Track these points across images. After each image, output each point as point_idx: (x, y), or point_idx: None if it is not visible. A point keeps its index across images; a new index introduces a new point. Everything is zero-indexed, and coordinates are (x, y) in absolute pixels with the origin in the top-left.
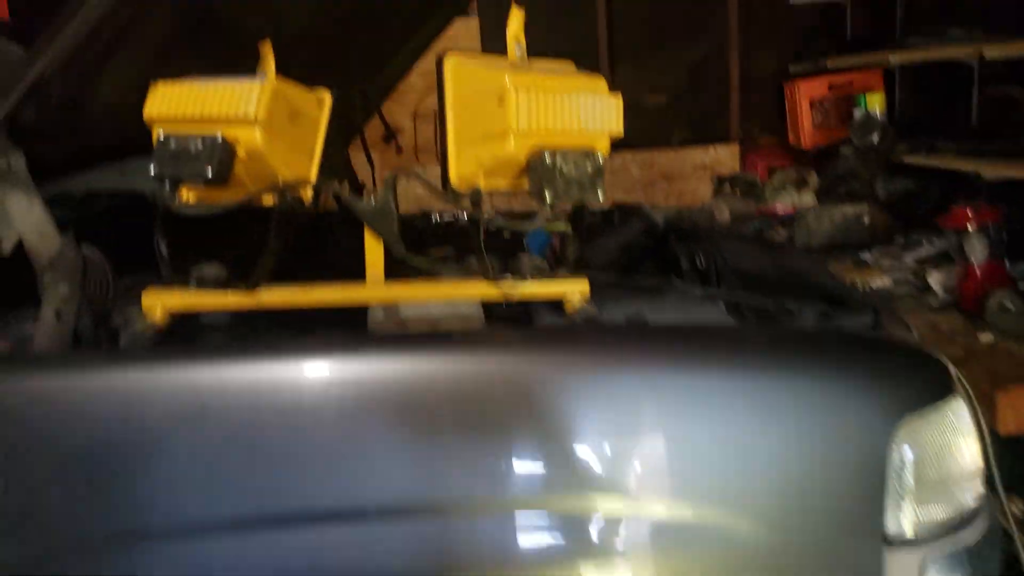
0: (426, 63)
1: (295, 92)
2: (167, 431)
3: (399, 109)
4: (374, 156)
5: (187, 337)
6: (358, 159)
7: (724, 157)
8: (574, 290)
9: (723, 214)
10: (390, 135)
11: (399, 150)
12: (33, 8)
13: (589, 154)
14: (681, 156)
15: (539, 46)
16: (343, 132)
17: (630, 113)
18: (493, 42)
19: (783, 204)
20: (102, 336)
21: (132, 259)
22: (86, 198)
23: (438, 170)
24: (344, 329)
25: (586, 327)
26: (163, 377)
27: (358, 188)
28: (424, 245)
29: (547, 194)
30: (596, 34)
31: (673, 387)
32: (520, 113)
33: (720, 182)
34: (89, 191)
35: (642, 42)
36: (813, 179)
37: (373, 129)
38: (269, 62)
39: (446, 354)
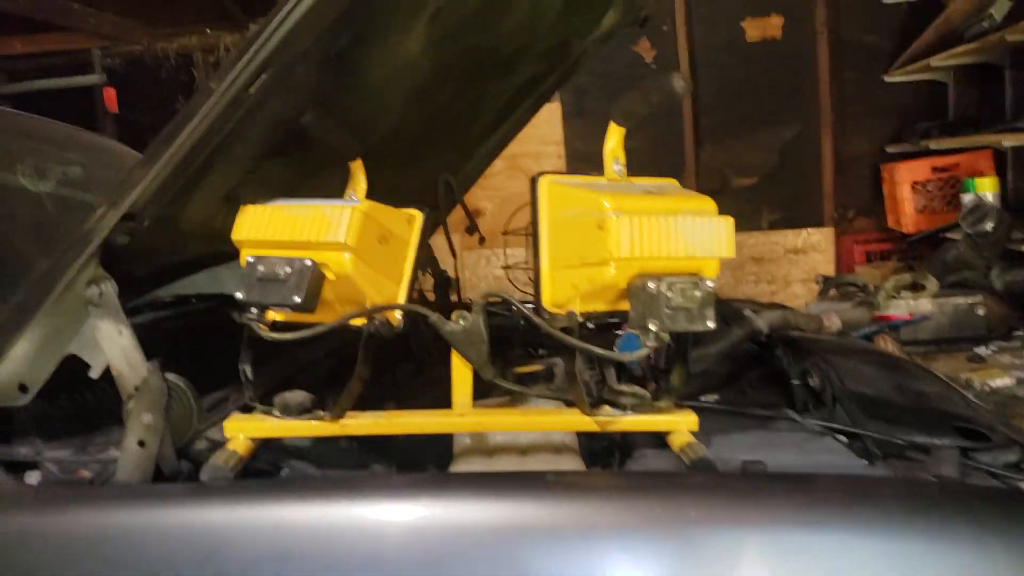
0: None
1: (385, 213)
2: (246, 570)
3: (477, 191)
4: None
5: (270, 463)
6: (437, 243)
7: (817, 241)
8: (680, 424)
9: (833, 322)
10: (474, 227)
11: (482, 240)
12: (141, 103)
13: (697, 281)
14: (771, 239)
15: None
16: (428, 225)
17: (716, 195)
18: (574, 126)
19: (899, 310)
20: (184, 467)
21: (215, 373)
22: (175, 302)
23: (514, 252)
24: (429, 455)
25: (698, 475)
26: (243, 515)
27: (446, 284)
28: (505, 343)
29: (651, 324)
30: (681, 115)
31: (793, 548)
32: (622, 239)
33: (826, 283)
34: (178, 296)
35: (729, 122)
36: (932, 284)
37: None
38: (360, 183)
39: (538, 499)
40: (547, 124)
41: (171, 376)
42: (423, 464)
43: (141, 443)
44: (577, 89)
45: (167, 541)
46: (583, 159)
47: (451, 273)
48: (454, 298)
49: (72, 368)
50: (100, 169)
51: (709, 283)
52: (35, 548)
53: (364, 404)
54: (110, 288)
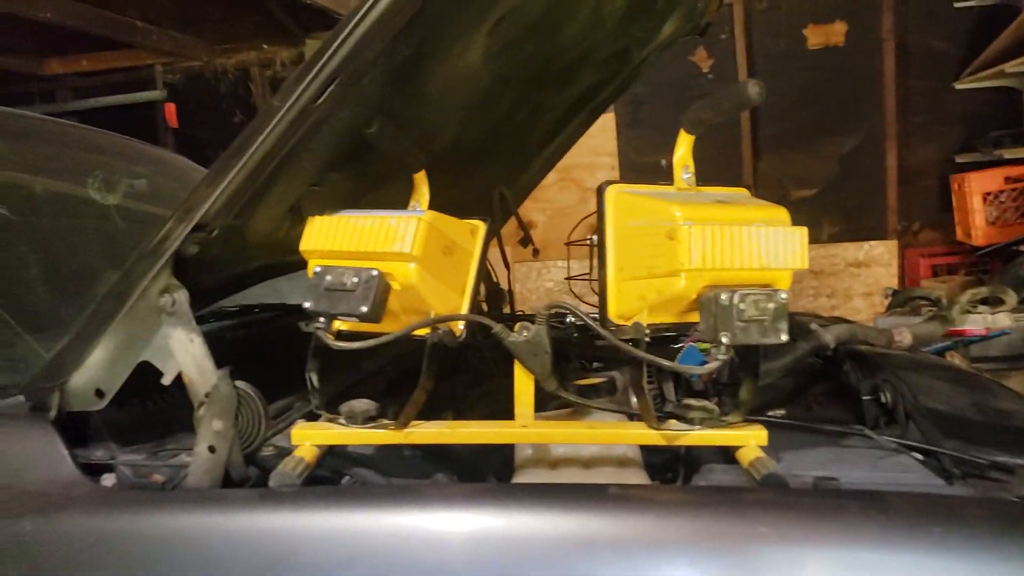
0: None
1: (449, 224)
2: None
3: (529, 203)
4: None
5: (332, 470)
6: (490, 254)
7: (880, 253)
8: (749, 439)
9: (904, 337)
10: (527, 239)
11: (536, 253)
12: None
13: (770, 293)
14: (831, 251)
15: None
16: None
17: None
18: (628, 137)
19: (974, 325)
20: (252, 473)
21: (280, 380)
22: (240, 311)
23: (564, 263)
24: (489, 466)
25: (768, 490)
26: (310, 521)
27: (499, 296)
28: (560, 356)
29: (723, 337)
30: (738, 125)
31: (869, 567)
32: (693, 250)
33: (895, 297)
34: (241, 306)
35: (788, 132)
36: (1011, 297)
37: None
38: (424, 194)
39: (606, 512)
40: (601, 135)
41: (240, 384)
42: (482, 475)
43: (211, 449)
44: (632, 100)
45: (236, 545)
46: (637, 170)
47: (503, 285)
48: (506, 310)
49: (144, 375)
50: (165, 182)
51: (782, 295)
52: (110, 548)
53: (422, 414)
54: (182, 297)
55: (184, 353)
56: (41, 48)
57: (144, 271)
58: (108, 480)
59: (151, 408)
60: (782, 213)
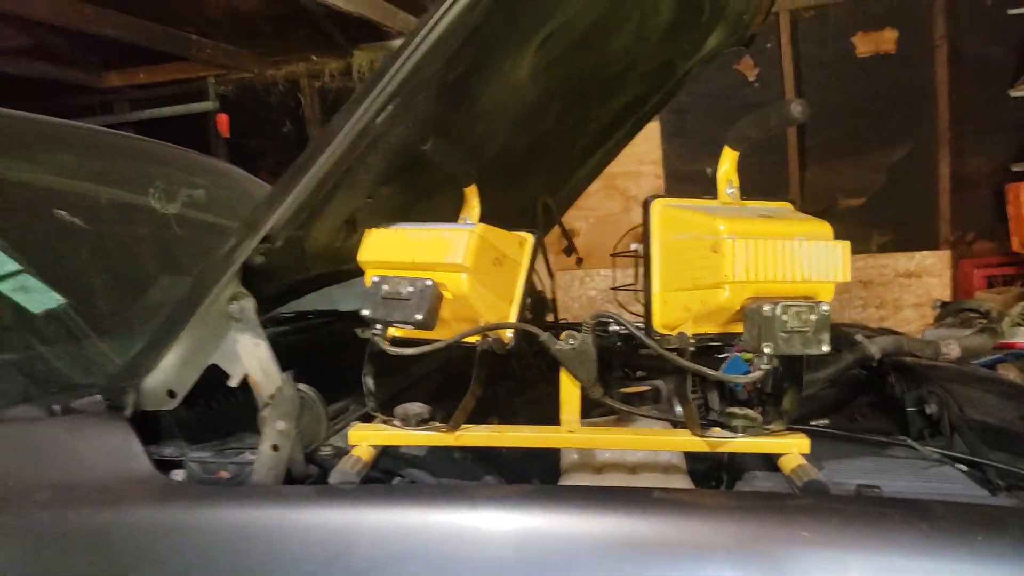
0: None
1: (500, 236)
2: (370, 569)
3: (572, 211)
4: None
5: (388, 471)
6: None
7: (931, 264)
8: (792, 447)
9: (951, 349)
10: (571, 247)
11: (579, 262)
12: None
13: (813, 305)
14: (880, 262)
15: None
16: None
17: (822, 216)
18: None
19: None
20: (312, 471)
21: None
22: (295, 317)
23: (610, 274)
24: (534, 470)
25: (811, 496)
26: (369, 517)
27: (542, 304)
28: (607, 365)
29: (765, 347)
30: (784, 136)
31: (911, 574)
32: (737, 263)
33: (944, 309)
34: (298, 312)
35: (835, 141)
36: None
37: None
38: (475, 207)
39: (649, 516)
40: (645, 143)
41: (302, 386)
42: (527, 479)
43: (275, 447)
44: (677, 108)
45: (298, 539)
46: (681, 179)
47: (547, 294)
48: (550, 319)
49: (210, 376)
50: (220, 192)
51: (824, 307)
52: (180, 539)
53: (469, 419)
54: (249, 304)
55: (251, 357)
56: (101, 61)
57: (214, 279)
58: (178, 475)
59: (217, 408)
60: (824, 227)
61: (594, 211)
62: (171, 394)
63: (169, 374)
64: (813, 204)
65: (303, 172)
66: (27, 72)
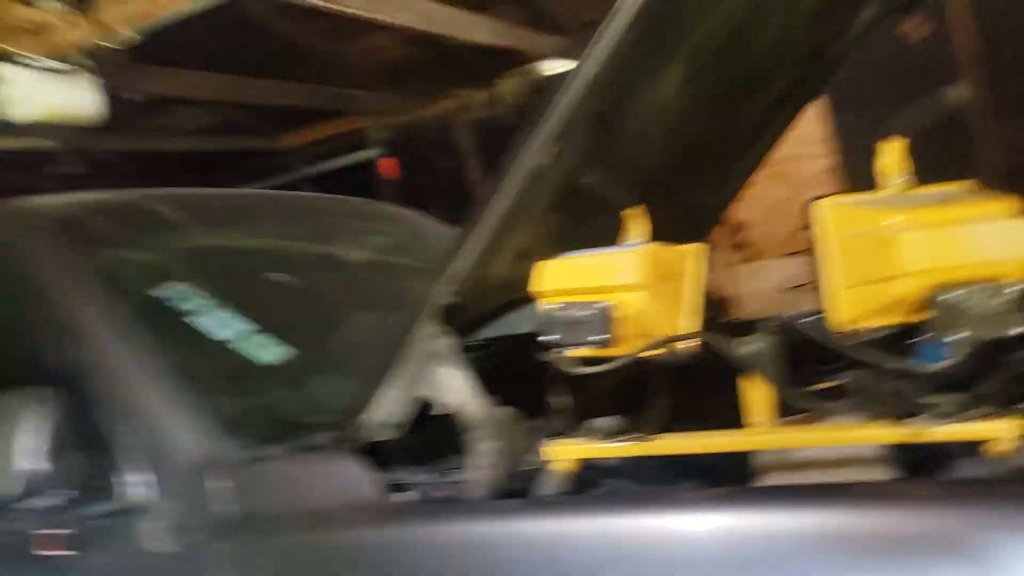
0: None
1: (669, 251)
2: (584, 573)
3: (739, 202)
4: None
5: (589, 483)
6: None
7: None
8: (1001, 431)
9: None
10: (741, 243)
11: (750, 256)
12: (409, 167)
13: (998, 286)
14: None
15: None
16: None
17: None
18: (842, 121)
19: None
20: (518, 486)
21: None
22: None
23: (784, 264)
24: (725, 473)
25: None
26: (580, 525)
27: (717, 306)
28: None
29: (953, 334)
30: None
31: None
32: (915, 252)
33: None
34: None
35: None
36: None
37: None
38: (644, 227)
39: (859, 509)
40: (809, 123)
41: (502, 409)
42: (719, 482)
43: (485, 466)
44: (844, 80)
45: (513, 548)
46: (854, 155)
47: (720, 293)
48: (724, 319)
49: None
50: (401, 236)
51: (1018, 288)
52: (414, 552)
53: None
54: (450, 341)
55: (456, 388)
56: (275, 126)
57: (419, 324)
58: (404, 497)
59: (427, 434)
60: (1007, 205)
61: (762, 200)
62: (393, 425)
63: (390, 408)
64: (1010, 160)
65: (482, 217)
66: (214, 147)
